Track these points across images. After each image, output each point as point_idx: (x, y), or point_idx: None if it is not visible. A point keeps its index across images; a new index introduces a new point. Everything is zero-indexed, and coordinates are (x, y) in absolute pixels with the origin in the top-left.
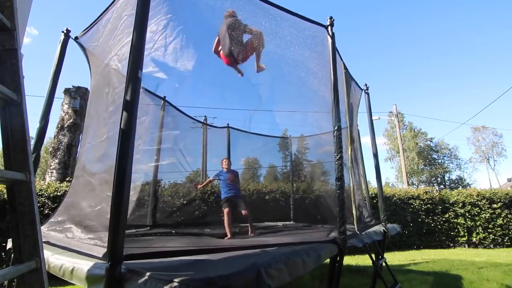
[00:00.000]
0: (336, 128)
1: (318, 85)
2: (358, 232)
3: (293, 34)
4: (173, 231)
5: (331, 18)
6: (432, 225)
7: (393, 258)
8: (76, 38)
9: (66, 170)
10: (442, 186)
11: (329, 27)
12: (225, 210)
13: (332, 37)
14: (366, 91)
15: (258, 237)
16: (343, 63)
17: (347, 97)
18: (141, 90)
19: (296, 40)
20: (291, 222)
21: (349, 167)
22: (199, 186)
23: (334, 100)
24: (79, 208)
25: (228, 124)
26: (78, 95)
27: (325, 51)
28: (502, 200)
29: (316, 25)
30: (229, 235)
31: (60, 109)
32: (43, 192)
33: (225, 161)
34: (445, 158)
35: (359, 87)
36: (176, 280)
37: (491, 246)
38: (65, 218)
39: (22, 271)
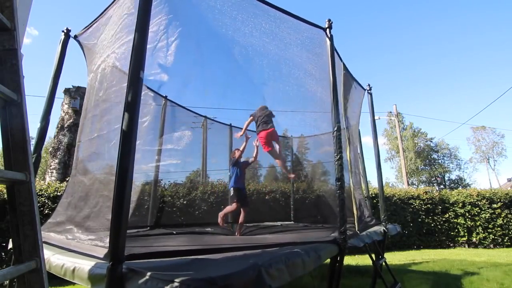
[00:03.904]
0: (335, 128)
1: (317, 86)
2: (358, 232)
3: (292, 35)
4: (174, 232)
5: (329, 20)
6: (432, 225)
7: (393, 258)
8: (75, 37)
9: (66, 170)
10: (442, 186)
11: (328, 29)
12: (235, 205)
13: (331, 39)
14: (369, 91)
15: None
16: (343, 64)
17: (344, 98)
18: (143, 90)
19: (295, 42)
20: (291, 222)
21: (349, 167)
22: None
23: (334, 101)
24: (74, 208)
25: (230, 124)
26: (78, 95)
27: (323, 52)
28: (502, 200)
29: (314, 27)
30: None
31: (60, 109)
32: (43, 192)
33: (238, 152)
34: (445, 158)
35: (362, 87)
36: (177, 280)
37: (491, 246)
38: (63, 219)
39: (22, 271)
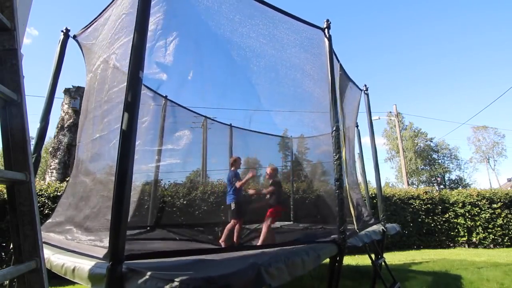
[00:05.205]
0: (334, 128)
1: (314, 87)
2: (357, 231)
3: (290, 36)
4: (177, 238)
5: (327, 20)
6: (432, 225)
7: (393, 258)
8: (74, 37)
9: (66, 170)
10: (442, 186)
11: (326, 29)
12: (233, 223)
13: (329, 39)
14: (365, 91)
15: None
16: (340, 64)
17: (340, 98)
18: (142, 90)
19: (293, 42)
20: (291, 222)
21: (345, 167)
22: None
23: (332, 101)
24: (75, 208)
25: (231, 124)
26: (78, 95)
27: (322, 53)
28: (502, 200)
29: (313, 28)
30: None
31: (60, 109)
32: (43, 192)
33: (239, 160)
34: (445, 158)
35: (358, 88)
36: (176, 279)
37: (491, 246)
38: (62, 219)
39: (22, 271)
